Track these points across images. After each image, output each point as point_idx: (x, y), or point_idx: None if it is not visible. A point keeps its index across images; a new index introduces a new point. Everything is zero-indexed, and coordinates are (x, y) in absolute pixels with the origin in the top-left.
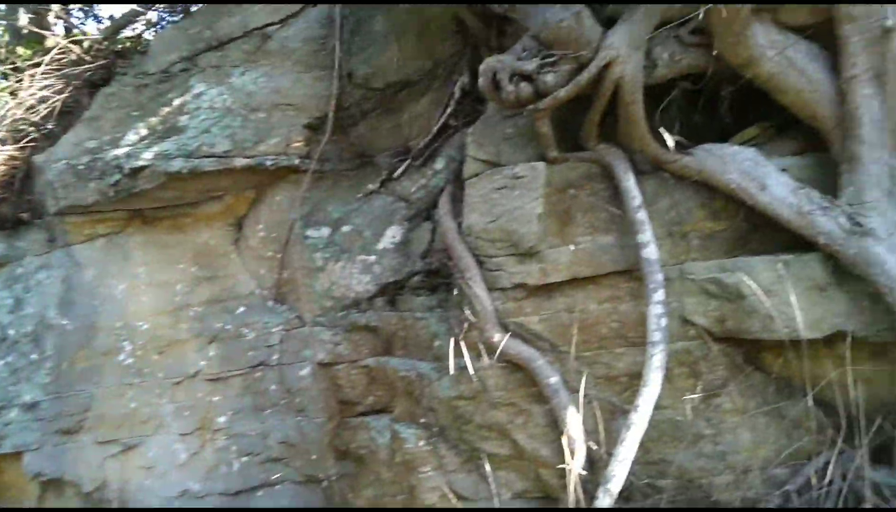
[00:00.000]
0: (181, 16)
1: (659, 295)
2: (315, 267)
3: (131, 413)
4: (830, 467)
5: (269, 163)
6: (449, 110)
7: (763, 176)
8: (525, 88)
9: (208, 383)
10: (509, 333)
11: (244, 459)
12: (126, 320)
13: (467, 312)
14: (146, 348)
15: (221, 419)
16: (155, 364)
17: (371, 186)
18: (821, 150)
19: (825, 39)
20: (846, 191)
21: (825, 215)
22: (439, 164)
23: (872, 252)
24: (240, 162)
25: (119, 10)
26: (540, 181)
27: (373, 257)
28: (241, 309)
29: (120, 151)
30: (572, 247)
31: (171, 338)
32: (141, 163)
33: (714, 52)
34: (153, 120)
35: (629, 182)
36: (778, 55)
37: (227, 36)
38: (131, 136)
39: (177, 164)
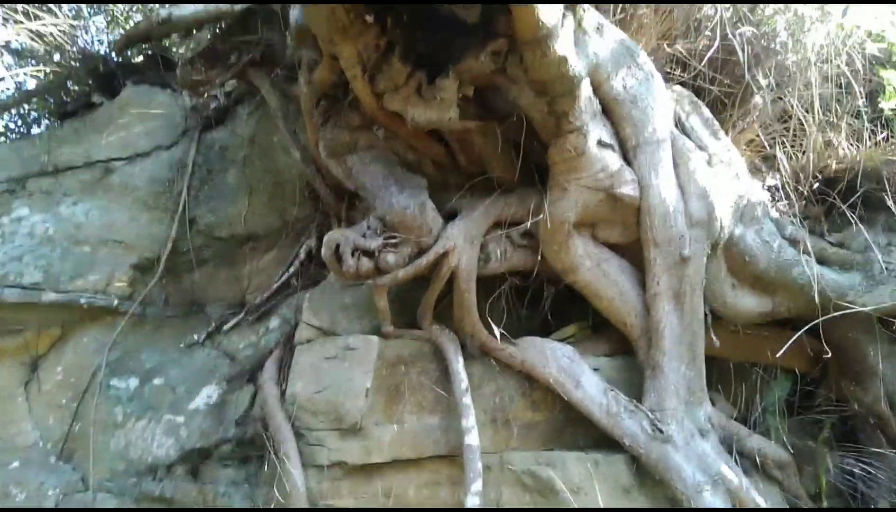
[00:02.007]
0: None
1: (476, 485)
2: (113, 422)
3: None
4: None
5: (82, 300)
6: (292, 270)
7: (578, 373)
8: (366, 264)
9: None
10: None
11: None
12: None
13: (276, 491)
14: None
15: None
16: None
17: (195, 337)
18: (630, 354)
19: (635, 257)
20: (649, 396)
21: (630, 418)
22: (273, 323)
23: (672, 459)
24: (49, 296)
25: None
26: (372, 354)
27: (181, 418)
28: (16, 463)
29: None
30: (397, 426)
31: None
32: None
33: (539, 256)
34: None
35: (458, 365)
36: (594, 266)
37: (67, 164)
38: None
39: None
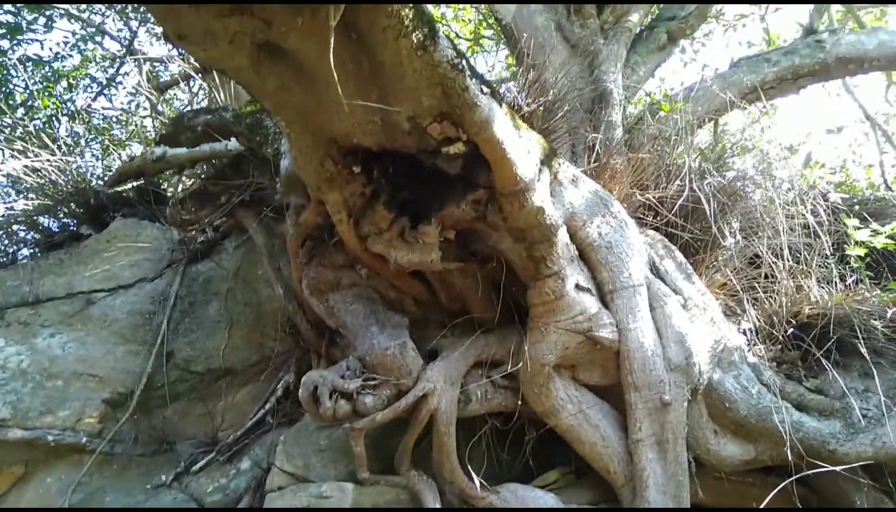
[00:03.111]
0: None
1: None
2: None
3: None
4: None
5: (50, 437)
6: (268, 407)
7: None
8: (344, 406)
9: None
10: None
11: None
12: None
13: None
14: None
15: None
16: None
17: (164, 478)
18: (613, 501)
19: (616, 401)
20: None
21: None
22: (245, 464)
23: None
24: (15, 434)
25: None
26: (346, 503)
27: None
28: None
29: None
30: None
31: None
32: None
33: (520, 398)
34: None
35: None
36: (576, 410)
37: (48, 295)
38: None
39: None
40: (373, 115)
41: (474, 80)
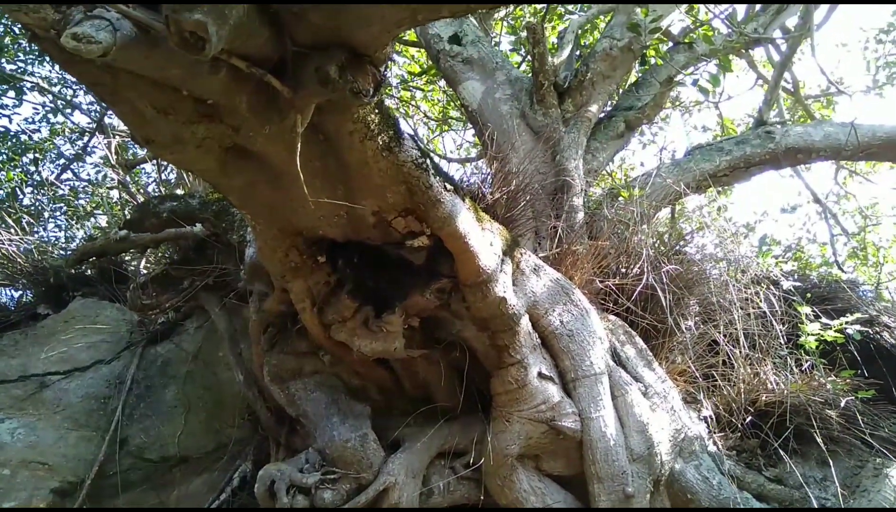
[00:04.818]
0: None
1: None
2: None
3: None
4: None
5: None
6: (223, 497)
7: None
8: (301, 501)
9: None
10: None
11: None
12: None
13: None
14: None
15: None
16: None
17: None
18: None
19: (581, 491)
20: None
21: None
22: None
23: None
24: None
25: None
26: None
27: None
28: None
29: None
30: None
31: None
32: None
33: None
34: None
35: None
36: (539, 502)
37: (0, 377)
38: None
39: None
40: (339, 210)
41: (438, 177)
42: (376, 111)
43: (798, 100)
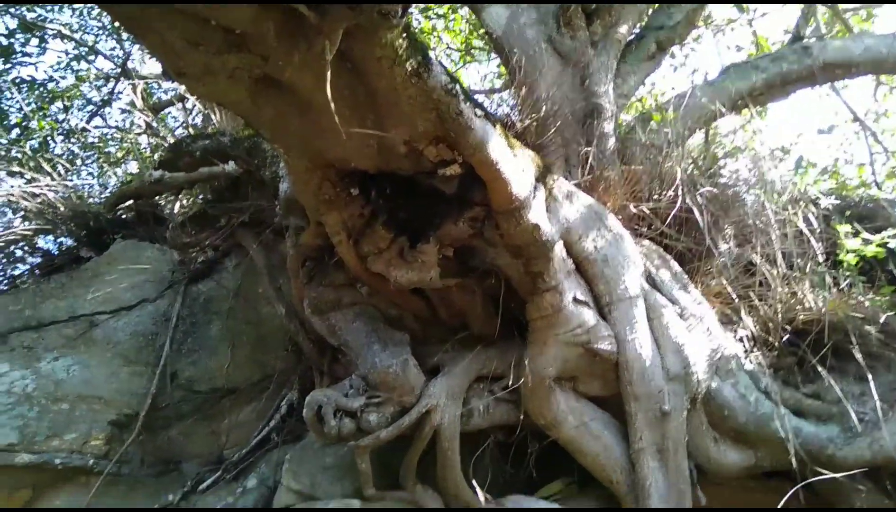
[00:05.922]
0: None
1: None
2: None
3: None
4: None
5: (57, 461)
6: (273, 424)
7: None
8: (348, 425)
9: None
10: None
11: None
12: None
13: None
14: None
15: None
16: None
17: (171, 498)
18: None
19: (617, 411)
20: None
21: None
22: (251, 481)
23: None
24: (23, 458)
25: None
26: None
27: None
28: None
29: None
30: None
31: None
32: None
33: (522, 411)
34: None
35: None
36: (577, 421)
37: (50, 318)
38: None
39: None
40: (369, 140)
41: (468, 103)
42: (404, 35)
43: (836, 13)
